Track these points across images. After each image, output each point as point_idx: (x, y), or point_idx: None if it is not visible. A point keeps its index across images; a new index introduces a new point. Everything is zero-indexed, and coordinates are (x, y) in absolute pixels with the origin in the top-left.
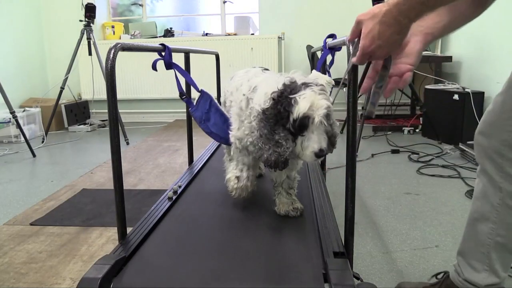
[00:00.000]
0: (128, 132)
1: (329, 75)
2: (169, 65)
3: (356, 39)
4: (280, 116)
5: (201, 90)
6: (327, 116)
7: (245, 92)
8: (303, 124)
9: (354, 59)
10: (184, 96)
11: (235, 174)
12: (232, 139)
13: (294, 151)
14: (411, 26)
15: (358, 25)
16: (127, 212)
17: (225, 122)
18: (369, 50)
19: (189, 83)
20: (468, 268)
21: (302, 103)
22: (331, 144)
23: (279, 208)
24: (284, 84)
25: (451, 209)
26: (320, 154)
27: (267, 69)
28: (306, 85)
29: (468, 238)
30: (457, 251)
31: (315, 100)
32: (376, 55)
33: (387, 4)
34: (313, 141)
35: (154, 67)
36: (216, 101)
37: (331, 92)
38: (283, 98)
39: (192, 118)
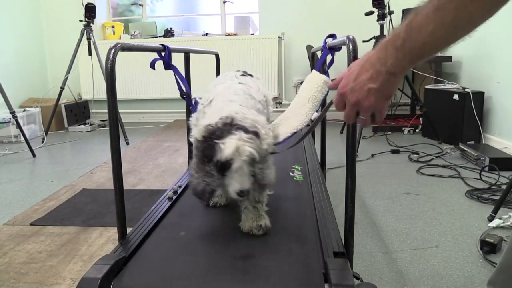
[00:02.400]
0: (128, 132)
1: (328, 75)
2: (168, 66)
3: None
4: (205, 156)
5: (193, 98)
6: (251, 162)
7: (204, 102)
8: (224, 167)
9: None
10: (185, 96)
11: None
12: None
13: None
14: (393, 81)
15: (349, 71)
16: (127, 212)
17: None
18: (341, 90)
19: (185, 87)
20: None
21: (225, 151)
22: (260, 188)
23: (243, 224)
24: (216, 125)
25: (451, 209)
26: (241, 194)
27: (245, 74)
28: (238, 128)
29: (506, 269)
30: (488, 281)
31: (239, 146)
32: (347, 98)
33: (372, 51)
34: (234, 181)
35: (152, 66)
36: None
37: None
38: (210, 141)
39: None
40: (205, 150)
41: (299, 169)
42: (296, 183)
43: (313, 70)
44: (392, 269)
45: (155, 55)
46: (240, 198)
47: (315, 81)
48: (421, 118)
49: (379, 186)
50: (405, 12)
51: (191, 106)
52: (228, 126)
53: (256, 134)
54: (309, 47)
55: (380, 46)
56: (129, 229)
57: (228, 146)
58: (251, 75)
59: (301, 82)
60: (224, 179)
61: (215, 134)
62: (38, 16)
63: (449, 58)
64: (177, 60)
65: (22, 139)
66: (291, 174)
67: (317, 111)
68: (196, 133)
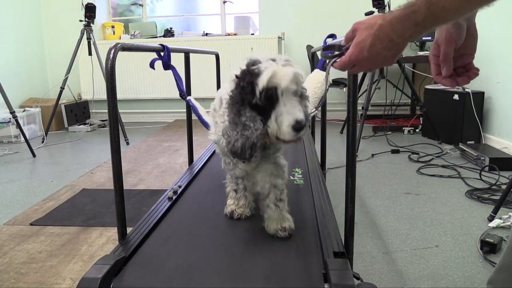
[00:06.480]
0: (128, 132)
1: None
2: (167, 66)
3: (346, 45)
4: (245, 92)
5: (188, 100)
6: (297, 83)
7: (222, 94)
8: (270, 96)
9: (336, 64)
10: (184, 96)
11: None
12: (214, 144)
13: (266, 132)
14: (406, 45)
15: (354, 32)
16: (127, 212)
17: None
18: (355, 60)
19: (180, 87)
20: None
21: (266, 72)
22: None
23: (267, 225)
24: (247, 61)
25: (451, 209)
26: (298, 127)
27: None
28: (269, 59)
29: (505, 268)
30: (487, 280)
31: (278, 69)
32: (361, 66)
33: (382, 18)
34: (286, 114)
35: (152, 66)
36: (201, 111)
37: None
38: (246, 72)
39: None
40: (242, 91)
41: (300, 172)
42: (296, 187)
43: (316, 69)
44: (392, 269)
45: (155, 55)
46: (298, 136)
47: (316, 78)
48: (421, 118)
49: (379, 186)
50: None
51: (192, 107)
52: (258, 60)
53: (288, 59)
54: (309, 47)
55: (394, 19)
56: (129, 229)
57: (267, 70)
58: None
59: None
60: (269, 124)
61: (246, 69)
62: (38, 16)
63: None
64: (177, 60)
65: (22, 139)
66: (291, 177)
67: (316, 108)
68: (223, 94)
